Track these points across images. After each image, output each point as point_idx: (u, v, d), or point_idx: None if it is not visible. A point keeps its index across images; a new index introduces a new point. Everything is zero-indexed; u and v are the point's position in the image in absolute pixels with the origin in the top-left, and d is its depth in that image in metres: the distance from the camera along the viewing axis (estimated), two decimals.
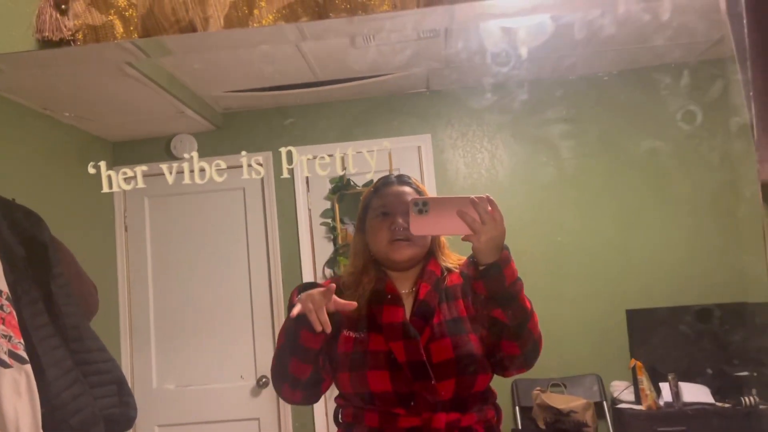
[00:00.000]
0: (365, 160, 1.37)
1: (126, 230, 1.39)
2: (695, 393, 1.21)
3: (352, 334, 0.94)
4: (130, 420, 1.03)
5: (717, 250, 1.06)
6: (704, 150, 0.97)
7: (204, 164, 1.14)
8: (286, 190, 1.38)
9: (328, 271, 1.37)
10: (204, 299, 1.38)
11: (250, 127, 1.37)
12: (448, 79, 1.32)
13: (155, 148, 1.39)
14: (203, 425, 1.36)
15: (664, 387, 1.24)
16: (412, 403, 0.90)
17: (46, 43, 1.01)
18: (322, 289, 0.85)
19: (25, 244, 1.01)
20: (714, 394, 1.20)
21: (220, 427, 1.36)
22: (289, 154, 1.10)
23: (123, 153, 1.40)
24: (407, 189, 0.97)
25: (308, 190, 1.38)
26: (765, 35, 0.84)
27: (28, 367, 0.91)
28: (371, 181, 1.40)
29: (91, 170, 1.08)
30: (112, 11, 1.02)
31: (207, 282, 1.39)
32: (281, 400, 1.32)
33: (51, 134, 1.37)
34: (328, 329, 0.83)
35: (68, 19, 1.01)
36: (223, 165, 1.11)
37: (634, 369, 1.26)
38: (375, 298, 0.94)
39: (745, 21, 0.83)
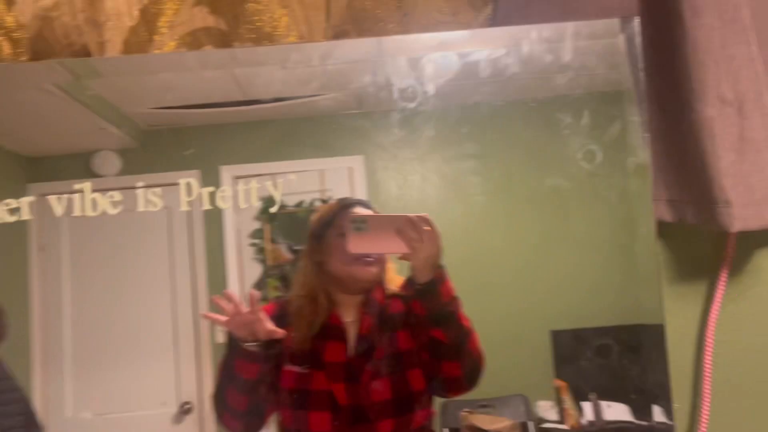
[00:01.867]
0: (295, 180, 1.36)
1: (42, 250, 1.32)
2: (615, 412, 1.25)
3: (295, 369, 0.95)
4: None
5: (617, 283, 1.11)
6: (603, 188, 1.01)
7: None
8: (213, 210, 1.34)
9: (256, 294, 1.34)
10: (124, 322, 1.33)
11: (176, 145, 1.33)
12: (380, 101, 1.33)
13: (74, 165, 1.33)
14: None
15: (587, 406, 1.27)
16: None
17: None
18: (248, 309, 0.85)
19: None
20: (633, 411, 1.24)
21: None
22: (189, 185, 1.07)
23: (38, 169, 1.33)
24: (368, 212, 1.03)
25: (237, 211, 1.35)
26: (659, 80, 0.90)
27: None
28: (302, 201, 1.39)
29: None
30: (1, 31, 0.99)
31: (127, 304, 1.33)
32: (205, 428, 1.29)
33: None
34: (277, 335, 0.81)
35: None
36: (118, 197, 1.05)
37: (557, 389, 1.29)
38: (320, 332, 0.95)
39: (640, 65, 0.89)
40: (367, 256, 0.97)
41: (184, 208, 1.08)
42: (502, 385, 1.33)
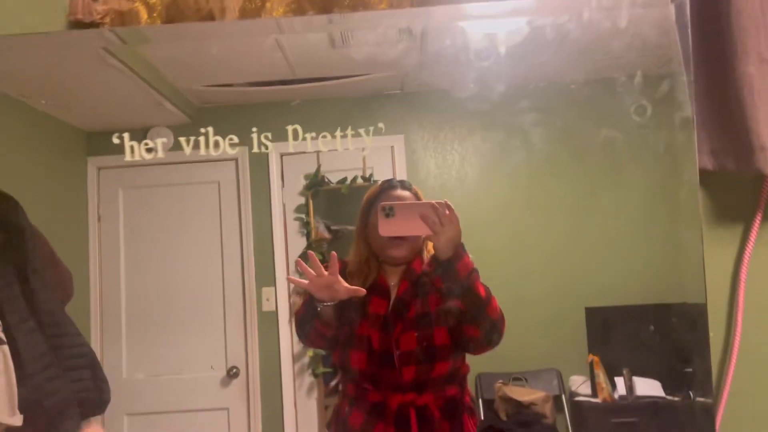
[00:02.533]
0: (339, 158, 1.42)
1: (99, 220, 1.40)
2: (647, 387, 1.28)
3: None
4: (103, 404, 1.05)
5: (663, 232, 1.18)
6: (652, 140, 1.11)
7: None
8: (260, 184, 1.40)
9: (336, 257, 1.40)
10: (176, 291, 1.40)
11: (226, 122, 1.39)
12: (421, 82, 1.37)
13: (131, 140, 1.40)
14: (173, 414, 1.37)
15: (619, 381, 1.30)
16: (379, 383, 1.10)
17: (76, 25, 1.10)
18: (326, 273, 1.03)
19: (2, 228, 1.02)
20: (664, 388, 1.27)
21: (190, 417, 1.37)
22: (296, 131, 1.15)
23: (98, 143, 1.41)
24: (407, 194, 1.16)
25: (283, 186, 1.41)
26: (705, 43, 1.04)
27: (6, 347, 0.92)
28: (345, 178, 1.44)
29: (116, 140, 1.20)
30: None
31: (179, 274, 1.40)
32: (250, 391, 1.36)
33: (25, 121, 1.37)
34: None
35: (97, 3, 1.10)
36: (236, 139, 1.21)
37: (591, 364, 1.32)
38: (370, 289, 1.10)
39: (689, 31, 1.03)
40: (397, 238, 1.11)
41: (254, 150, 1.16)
42: (536, 359, 1.38)
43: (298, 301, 1.39)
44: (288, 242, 1.40)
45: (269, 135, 1.26)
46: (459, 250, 1.06)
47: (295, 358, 1.39)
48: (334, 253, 1.07)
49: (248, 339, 1.38)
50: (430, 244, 1.15)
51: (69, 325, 1.03)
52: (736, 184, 1.13)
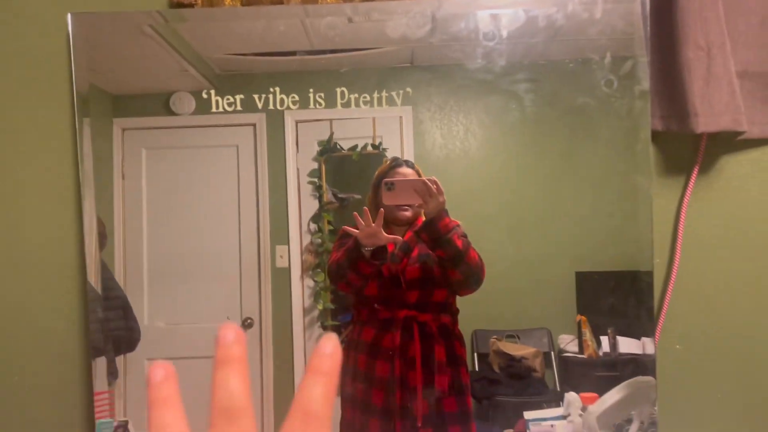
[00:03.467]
0: (351, 126, 1.50)
1: (123, 178, 1.49)
2: (629, 345, 1.39)
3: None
4: (133, 342, 1.15)
5: (622, 181, 1.45)
6: (617, 106, 1.41)
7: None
8: (277, 149, 1.49)
9: (313, 226, 1.50)
10: (195, 247, 1.49)
11: (245, 89, 1.47)
12: (430, 56, 1.45)
13: (154, 103, 1.48)
14: (191, 360, 1.48)
15: (604, 340, 1.42)
16: (388, 302, 1.40)
17: (177, 5, 1.23)
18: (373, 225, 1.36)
19: None
20: (644, 347, 1.38)
21: (207, 363, 1.47)
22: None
23: (123, 105, 1.49)
24: (410, 171, 1.43)
25: (297, 151, 1.50)
26: (659, 32, 1.37)
27: None
28: (356, 145, 1.54)
29: (204, 96, 1.41)
30: None
31: (199, 230, 1.50)
32: (263, 340, 1.46)
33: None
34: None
35: None
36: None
37: (579, 324, 1.43)
38: None
39: (648, 22, 1.37)
40: (398, 206, 1.42)
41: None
42: (529, 319, 1.49)
43: (310, 258, 1.49)
44: (301, 204, 1.50)
45: (285, 98, 1.41)
46: (441, 213, 1.36)
47: (306, 312, 1.49)
48: (381, 209, 1.37)
49: (262, 293, 1.49)
50: None
51: (105, 269, 1.12)
52: (680, 142, 1.44)
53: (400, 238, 1.40)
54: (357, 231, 1.37)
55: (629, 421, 1.20)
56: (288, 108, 1.45)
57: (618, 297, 1.41)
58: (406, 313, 1.39)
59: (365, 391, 1.40)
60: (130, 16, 1.39)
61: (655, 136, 1.41)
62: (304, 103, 1.46)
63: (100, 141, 1.47)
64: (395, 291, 1.38)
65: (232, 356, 0.50)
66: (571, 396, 1.16)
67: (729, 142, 1.42)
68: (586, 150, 1.46)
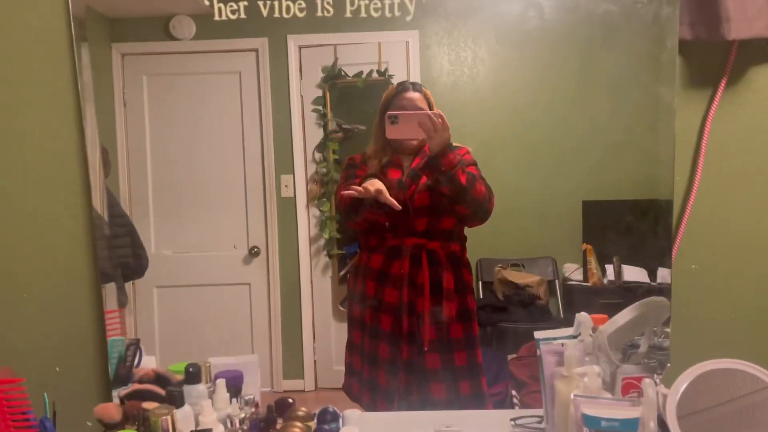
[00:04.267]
0: (356, 51, 1.46)
1: (125, 106, 1.46)
2: (634, 274, 1.40)
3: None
4: (142, 269, 1.16)
5: (645, 92, 1.38)
6: (643, 12, 1.33)
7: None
8: (280, 76, 1.46)
9: (318, 155, 1.48)
10: (200, 175, 1.49)
11: (247, 14, 1.42)
12: None
13: (153, 27, 1.44)
14: (198, 287, 1.50)
15: (609, 268, 1.43)
16: (397, 230, 1.39)
17: None
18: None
19: None
20: (649, 275, 1.39)
21: (214, 290, 1.51)
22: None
23: (121, 29, 1.45)
24: (418, 95, 1.39)
25: (301, 78, 1.46)
26: None
27: None
28: (361, 72, 1.50)
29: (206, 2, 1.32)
30: None
31: (203, 159, 1.49)
32: (270, 268, 1.48)
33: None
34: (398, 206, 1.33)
35: None
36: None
37: (584, 252, 1.44)
38: (387, 164, 1.41)
39: None
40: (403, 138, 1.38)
41: None
42: (534, 248, 1.49)
43: (315, 188, 1.49)
44: (306, 133, 1.48)
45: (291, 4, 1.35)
46: (446, 149, 1.31)
47: (312, 240, 1.50)
48: (370, 188, 1.33)
49: (268, 222, 1.49)
50: None
51: (111, 195, 1.12)
52: (708, 52, 1.35)
53: (396, 204, 1.33)
54: (358, 193, 1.33)
55: (635, 347, 1.22)
56: (294, 16, 1.36)
57: (626, 225, 1.40)
58: (415, 240, 1.38)
59: (374, 316, 1.42)
60: None
61: (682, 45, 1.32)
62: (307, 28, 1.40)
63: (99, 67, 1.43)
64: (403, 218, 1.36)
65: None
66: (582, 316, 1.17)
67: (761, 51, 1.33)
68: (606, 60, 1.39)
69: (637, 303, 1.18)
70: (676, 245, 1.38)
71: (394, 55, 1.45)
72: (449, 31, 1.42)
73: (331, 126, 1.48)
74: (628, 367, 1.18)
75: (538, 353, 1.19)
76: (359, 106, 1.50)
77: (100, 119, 1.42)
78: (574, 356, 1.09)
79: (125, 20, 1.45)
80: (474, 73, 1.42)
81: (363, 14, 1.34)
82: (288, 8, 1.34)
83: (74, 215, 1.37)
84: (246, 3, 1.34)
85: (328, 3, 1.34)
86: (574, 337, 1.19)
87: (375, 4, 1.34)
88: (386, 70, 1.46)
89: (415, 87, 1.39)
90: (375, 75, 1.46)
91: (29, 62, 1.40)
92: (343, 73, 1.47)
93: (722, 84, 1.34)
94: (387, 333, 1.40)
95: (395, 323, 1.39)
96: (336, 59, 1.45)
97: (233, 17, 1.35)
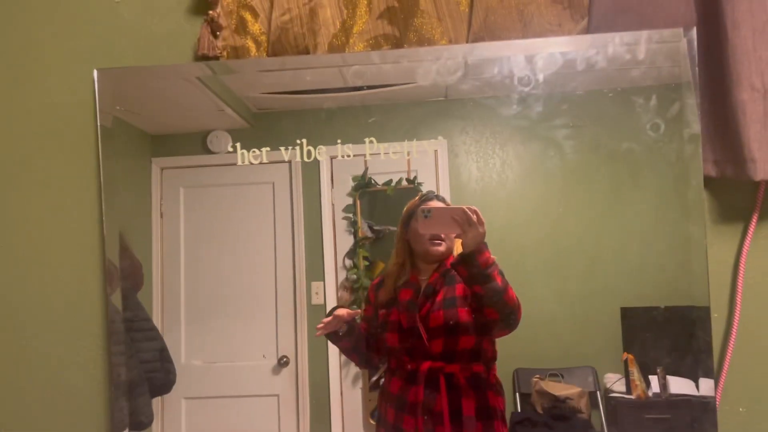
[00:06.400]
0: (385, 161, 1.49)
1: (162, 217, 1.51)
2: (681, 385, 1.32)
3: (383, 311, 1.39)
4: (169, 384, 1.14)
5: (674, 230, 1.36)
6: (665, 152, 1.34)
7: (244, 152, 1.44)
8: (311, 185, 1.49)
9: (348, 261, 1.48)
10: (232, 284, 1.49)
11: (280, 126, 1.48)
12: (465, 90, 1.44)
13: (192, 143, 1.51)
14: (227, 399, 1.47)
15: (653, 379, 1.35)
16: (413, 354, 1.33)
17: (202, 58, 1.29)
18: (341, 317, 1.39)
19: None
20: (698, 387, 1.31)
21: (243, 402, 1.47)
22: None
23: (161, 145, 1.52)
24: (441, 205, 1.38)
25: (332, 187, 1.49)
26: (709, 73, 1.30)
27: None
28: (390, 180, 1.53)
29: (230, 149, 1.43)
30: (249, 37, 1.39)
31: (235, 268, 1.50)
32: (299, 379, 1.44)
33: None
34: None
35: (218, 41, 1.27)
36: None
37: (626, 362, 1.37)
38: (402, 284, 1.38)
39: (696, 62, 1.30)
40: (435, 237, 1.36)
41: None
42: (572, 357, 1.43)
43: (345, 295, 1.48)
44: (336, 240, 1.49)
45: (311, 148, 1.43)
46: (481, 246, 1.27)
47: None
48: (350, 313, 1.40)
49: (298, 330, 1.47)
50: (458, 243, 1.34)
51: (141, 310, 1.13)
52: (736, 189, 1.35)
53: (352, 319, 1.37)
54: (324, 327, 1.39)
55: None
56: (315, 160, 1.45)
57: (668, 334, 1.34)
58: (431, 364, 1.31)
59: None
60: (174, 68, 1.45)
61: (708, 182, 1.33)
62: (338, 139, 1.45)
63: (138, 180, 1.49)
64: (416, 341, 1.31)
65: None
66: None
67: None
68: (632, 197, 1.39)
69: None
70: (720, 387, 1.33)
71: (423, 163, 1.48)
72: (477, 140, 1.44)
73: (362, 232, 1.49)
74: None
75: None
76: (389, 210, 1.51)
77: (137, 231, 1.46)
78: None
79: (165, 137, 1.52)
80: (503, 179, 1.44)
81: (382, 156, 1.43)
82: (309, 153, 1.43)
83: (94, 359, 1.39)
84: (268, 149, 1.44)
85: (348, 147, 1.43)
86: None
87: (371, 141, 1.43)
88: (415, 177, 1.48)
89: (438, 198, 1.40)
90: (404, 183, 1.48)
91: (60, 183, 1.47)
92: (373, 181, 1.49)
93: (754, 219, 1.34)
94: None
95: None
96: (366, 169, 1.48)
97: (255, 162, 1.42)
